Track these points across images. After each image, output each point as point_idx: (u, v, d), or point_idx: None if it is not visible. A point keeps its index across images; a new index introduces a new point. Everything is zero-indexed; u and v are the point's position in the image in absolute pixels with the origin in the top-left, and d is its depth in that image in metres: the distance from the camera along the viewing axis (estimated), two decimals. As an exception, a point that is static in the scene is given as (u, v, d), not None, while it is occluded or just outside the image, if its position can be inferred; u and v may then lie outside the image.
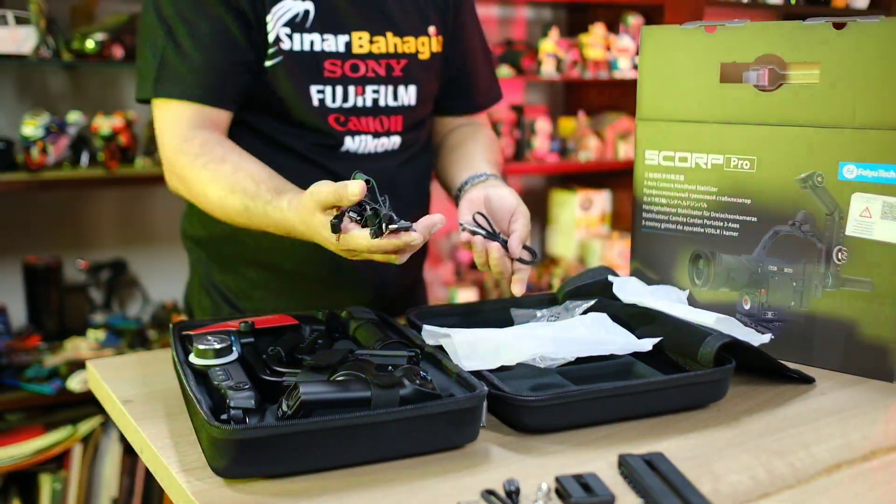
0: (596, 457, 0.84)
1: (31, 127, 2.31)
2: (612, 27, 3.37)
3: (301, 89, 1.26)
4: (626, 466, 0.80)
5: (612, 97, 3.50)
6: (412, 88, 1.35)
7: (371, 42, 1.29)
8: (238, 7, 1.22)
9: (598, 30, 3.29)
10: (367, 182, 0.95)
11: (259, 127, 1.30)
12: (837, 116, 1.07)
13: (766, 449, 0.86)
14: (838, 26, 1.06)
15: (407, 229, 0.96)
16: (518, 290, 1.12)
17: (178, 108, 1.23)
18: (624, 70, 3.32)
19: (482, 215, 1.14)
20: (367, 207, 0.97)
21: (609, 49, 3.32)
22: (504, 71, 3.08)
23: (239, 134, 1.29)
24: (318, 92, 1.27)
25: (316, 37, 1.26)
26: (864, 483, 0.80)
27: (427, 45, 1.36)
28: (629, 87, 3.34)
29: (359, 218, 0.98)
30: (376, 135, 1.33)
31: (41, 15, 2.28)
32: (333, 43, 1.27)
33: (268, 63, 1.25)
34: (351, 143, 1.31)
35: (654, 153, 1.23)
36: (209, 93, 1.23)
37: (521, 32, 3.45)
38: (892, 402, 1.00)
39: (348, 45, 1.28)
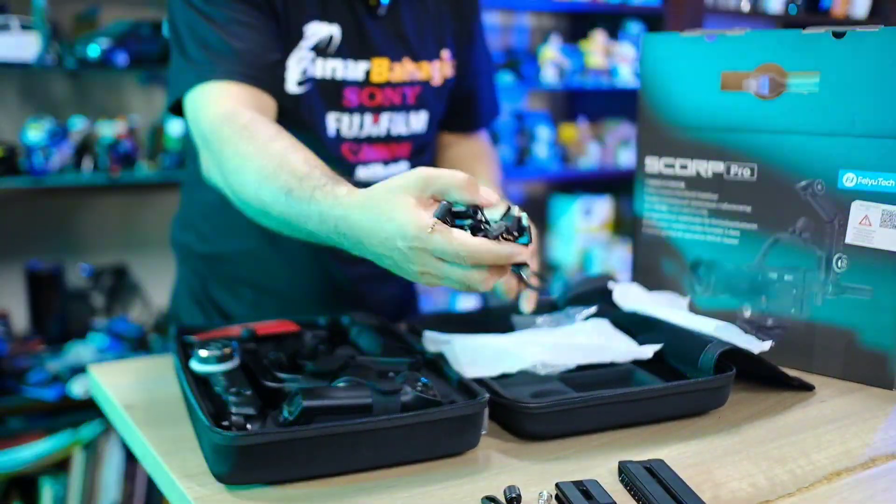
0: (597, 463, 0.84)
1: (35, 132, 2.32)
2: (613, 35, 3.38)
3: (319, 117, 1.23)
4: (626, 473, 0.80)
5: (612, 104, 3.51)
6: (423, 115, 1.33)
7: (390, 70, 1.26)
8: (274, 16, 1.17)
9: (598, 37, 3.30)
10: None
11: None
12: (837, 124, 1.07)
13: (766, 456, 0.86)
14: (838, 35, 1.06)
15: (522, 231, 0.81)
16: (527, 307, 1.11)
17: (224, 87, 1.10)
18: (624, 77, 3.33)
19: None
20: (480, 214, 0.80)
21: (610, 56, 3.32)
22: (505, 78, 3.08)
23: None
24: (336, 120, 1.24)
25: (338, 63, 1.22)
26: (864, 490, 0.80)
27: (440, 69, 1.33)
28: (630, 94, 3.35)
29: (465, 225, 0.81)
30: (386, 163, 1.31)
31: (45, 21, 2.29)
32: (354, 70, 1.23)
33: (296, 90, 1.20)
34: (363, 172, 1.29)
35: (654, 160, 1.24)
36: (258, 76, 1.12)
37: (523, 40, 3.46)
38: (893, 410, 1.00)
39: (368, 72, 1.24)
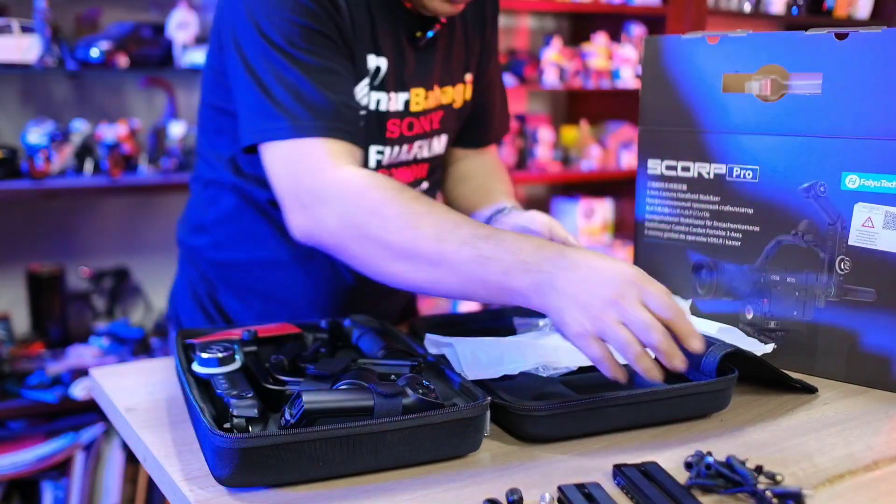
0: (598, 466, 0.84)
1: (36, 135, 2.32)
2: (615, 36, 3.38)
3: (362, 150, 1.18)
4: (623, 476, 0.79)
5: (614, 106, 3.51)
6: (444, 138, 1.33)
7: (425, 98, 1.25)
8: (348, 50, 1.14)
9: (600, 39, 3.30)
10: None
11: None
12: (839, 126, 1.07)
13: (768, 459, 0.86)
14: (840, 37, 1.06)
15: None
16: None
17: (329, 145, 1.06)
18: (626, 79, 3.32)
19: None
20: None
21: (611, 58, 3.32)
22: (507, 80, 3.08)
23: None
24: (378, 153, 1.22)
25: (383, 95, 1.20)
26: (867, 493, 0.80)
27: (462, 93, 1.33)
28: (631, 96, 3.35)
29: None
30: (412, 185, 1.30)
31: (46, 23, 2.29)
32: (395, 102, 1.22)
33: None
34: None
35: (656, 162, 1.24)
36: (353, 129, 1.10)
37: (524, 42, 3.46)
38: None
39: (407, 103, 1.23)
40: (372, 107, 1.19)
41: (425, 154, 1.31)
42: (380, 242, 0.99)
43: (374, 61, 1.18)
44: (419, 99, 1.24)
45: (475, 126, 1.44)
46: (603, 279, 0.86)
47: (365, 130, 1.19)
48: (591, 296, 0.86)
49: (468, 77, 1.34)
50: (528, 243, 0.92)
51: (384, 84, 1.19)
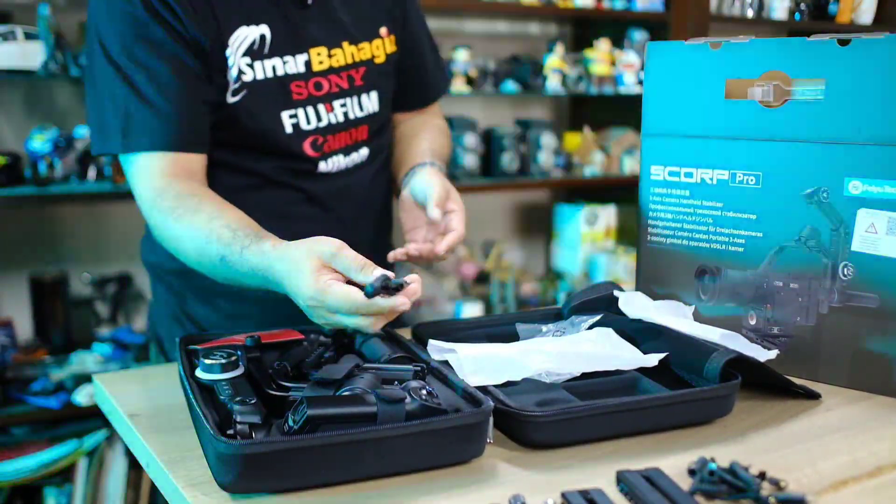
0: (601, 472, 0.84)
1: (39, 141, 2.32)
2: (618, 42, 3.38)
3: (272, 118, 1.24)
4: (625, 482, 0.79)
5: (617, 112, 3.51)
6: (374, 95, 1.35)
7: (329, 56, 1.29)
8: (194, 41, 1.18)
9: (602, 45, 3.30)
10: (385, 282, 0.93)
11: (224, 159, 1.27)
12: (842, 132, 1.07)
13: (772, 465, 0.85)
14: (843, 43, 1.06)
15: (400, 288, 0.93)
16: (441, 248, 1.18)
17: (149, 159, 1.17)
18: (629, 85, 3.33)
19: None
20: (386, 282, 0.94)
21: (614, 64, 3.32)
22: (510, 86, 3.09)
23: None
24: (291, 117, 1.26)
25: (277, 61, 1.24)
26: (870, 499, 0.80)
27: (381, 47, 1.36)
28: (634, 101, 3.34)
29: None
30: (347, 151, 1.33)
31: (49, 30, 2.30)
32: (294, 64, 1.25)
33: (233, 99, 1.22)
34: (324, 166, 1.31)
35: (659, 168, 1.24)
36: (180, 139, 1.18)
37: (527, 48, 3.47)
38: (899, 419, 1.00)
39: (308, 63, 1.27)
40: (268, 74, 1.23)
41: (358, 114, 1.33)
42: (173, 252, 1.17)
43: (252, 31, 1.21)
44: (322, 58, 1.28)
45: (411, 89, 1.47)
46: (293, 294, 0.98)
47: (269, 99, 1.24)
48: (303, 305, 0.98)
49: (383, 31, 1.37)
50: (259, 261, 1.02)
51: (274, 50, 1.23)
